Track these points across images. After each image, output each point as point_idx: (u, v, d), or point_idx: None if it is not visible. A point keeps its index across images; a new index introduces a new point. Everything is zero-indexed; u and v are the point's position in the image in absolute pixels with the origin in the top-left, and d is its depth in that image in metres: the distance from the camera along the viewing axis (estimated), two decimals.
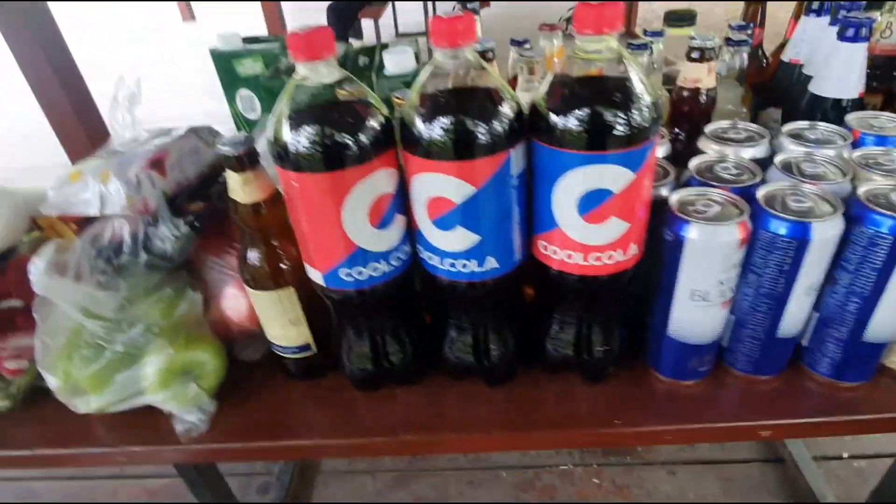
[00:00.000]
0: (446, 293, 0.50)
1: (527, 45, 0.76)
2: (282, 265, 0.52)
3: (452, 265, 0.47)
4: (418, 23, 4.32)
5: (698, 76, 0.59)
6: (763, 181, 0.50)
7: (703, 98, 0.61)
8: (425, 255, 0.48)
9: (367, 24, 4.08)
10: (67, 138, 1.35)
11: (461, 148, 0.41)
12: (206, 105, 3.65)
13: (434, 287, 0.51)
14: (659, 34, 0.72)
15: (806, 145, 0.55)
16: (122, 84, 0.78)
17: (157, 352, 0.54)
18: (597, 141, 0.40)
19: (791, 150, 0.55)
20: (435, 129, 0.40)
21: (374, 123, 0.42)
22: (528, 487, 1.35)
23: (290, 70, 0.65)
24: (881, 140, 0.56)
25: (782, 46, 0.81)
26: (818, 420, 0.52)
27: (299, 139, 0.41)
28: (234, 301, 0.60)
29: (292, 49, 0.39)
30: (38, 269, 0.54)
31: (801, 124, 0.58)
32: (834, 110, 0.63)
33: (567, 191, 0.43)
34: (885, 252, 0.45)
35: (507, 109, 0.41)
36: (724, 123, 0.60)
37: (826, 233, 0.45)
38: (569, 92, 0.40)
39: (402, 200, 0.47)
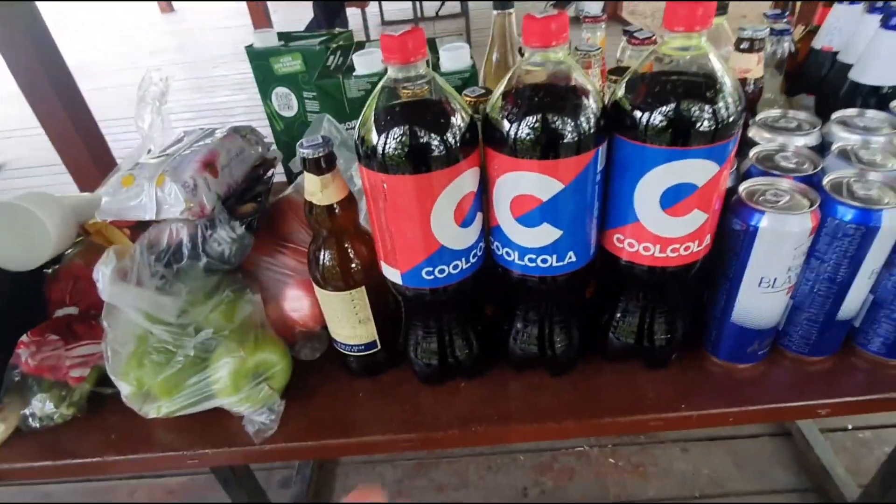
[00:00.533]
0: (519, 287, 0.51)
1: None
2: (353, 265, 0.53)
3: (532, 260, 0.48)
4: (405, 10, 4.26)
5: (748, 66, 0.61)
6: (824, 170, 0.52)
7: (750, 87, 0.62)
8: (503, 251, 0.49)
9: (353, 13, 4.02)
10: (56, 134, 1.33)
11: (551, 147, 0.41)
12: (191, 99, 3.58)
13: (507, 281, 0.51)
14: None
15: (858, 132, 0.56)
16: (149, 82, 0.77)
17: (229, 354, 0.54)
18: (687, 137, 0.41)
19: (844, 138, 0.56)
20: (525, 129, 0.41)
21: (463, 125, 0.42)
22: (547, 470, 1.38)
23: (342, 69, 0.64)
24: None
25: (810, 34, 0.82)
26: (874, 397, 0.55)
27: (392, 142, 0.41)
28: (297, 302, 0.60)
29: (385, 51, 0.39)
30: (104, 277, 0.53)
31: (849, 112, 0.60)
32: (875, 97, 0.64)
33: (651, 185, 0.44)
34: None
35: (595, 108, 0.42)
36: (774, 112, 0.61)
37: (895, 219, 0.46)
38: (659, 89, 0.41)
39: (481, 198, 0.47)
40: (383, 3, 4.44)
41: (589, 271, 0.51)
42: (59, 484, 1.42)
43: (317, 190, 0.48)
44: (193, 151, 0.64)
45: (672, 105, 0.40)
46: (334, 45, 0.72)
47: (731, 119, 0.41)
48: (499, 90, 0.43)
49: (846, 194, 0.48)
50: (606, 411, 0.55)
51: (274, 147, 0.76)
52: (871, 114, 0.59)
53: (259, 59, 0.74)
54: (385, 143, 0.41)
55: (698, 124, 0.40)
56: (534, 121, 0.41)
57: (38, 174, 2.89)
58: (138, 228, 0.63)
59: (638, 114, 0.41)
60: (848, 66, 0.69)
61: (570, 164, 0.42)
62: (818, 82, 0.76)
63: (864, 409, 0.55)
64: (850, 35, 0.72)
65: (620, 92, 0.43)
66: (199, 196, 0.60)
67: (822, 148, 0.58)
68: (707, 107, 0.40)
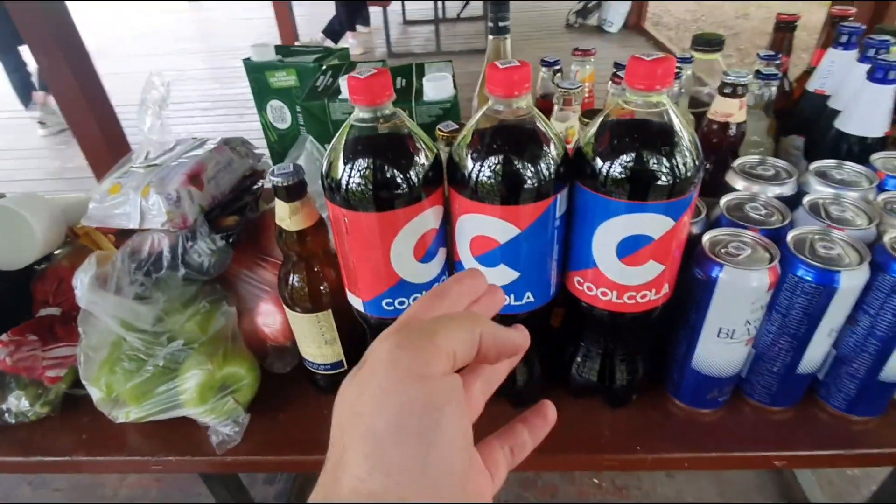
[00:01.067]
0: None
1: (557, 66, 0.77)
2: (321, 288, 0.54)
3: None
4: (427, 10, 4.27)
5: (730, 111, 0.61)
6: (792, 223, 0.52)
7: (732, 131, 0.62)
8: None
9: (375, 12, 4.05)
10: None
11: (510, 193, 0.42)
12: (209, 89, 3.62)
13: None
14: (688, 60, 0.73)
15: (833, 186, 0.56)
16: (150, 86, 0.79)
17: (198, 367, 0.56)
18: (643, 192, 0.41)
19: (818, 191, 0.56)
20: (485, 174, 0.42)
21: (427, 165, 0.43)
22: (530, 486, 1.38)
23: (329, 91, 0.65)
24: None
25: (806, 74, 0.82)
26: (830, 453, 0.55)
27: (356, 180, 0.42)
28: (270, 317, 0.62)
29: (352, 93, 0.40)
30: (82, 284, 0.55)
31: (829, 163, 0.60)
32: (859, 146, 0.64)
33: (608, 234, 0.44)
34: None
35: (556, 157, 0.42)
36: (753, 159, 0.61)
37: (853, 281, 0.47)
38: (617, 143, 0.41)
39: (444, 234, 0.48)
40: (406, 2, 4.45)
41: (549, 310, 0.52)
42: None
43: (286, 216, 0.49)
44: (181, 163, 0.66)
45: (629, 160, 0.41)
46: (327, 65, 0.73)
47: (687, 177, 0.41)
48: (463, 133, 0.44)
49: (808, 252, 0.48)
50: (561, 447, 0.56)
51: (265, 158, 0.78)
52: (850, 166, 0.59)
53: (256, 72, 0.76)
54: (348, 180, 0.42)
55: (655, 181, 0.41)
56: (493, 167, 0.41)
57: None
58: (123, 235, 0.65)
59: (598, 165, 0.42)
60: (836, 112, 0.69)
61: (528, 211, 0.43)
62: (809, 124, 0.75)
63: (820, 463, 0.55)
64: (841, 80, 0.72)
65: (583, 140, 0.44)
66: (182, 208, 0.62)
67: (797, 197, 0.58)
68: (665, 165, 0.40)
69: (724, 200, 0.55)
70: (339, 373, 0.60)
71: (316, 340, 0.56)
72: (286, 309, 0.57)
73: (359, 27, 4.23)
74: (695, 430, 0.57)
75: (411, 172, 0.42)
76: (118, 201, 0.62)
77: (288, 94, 0.76)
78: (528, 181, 0.41)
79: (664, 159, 0.40)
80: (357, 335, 0.59)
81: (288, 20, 4.14)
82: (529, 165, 0.41)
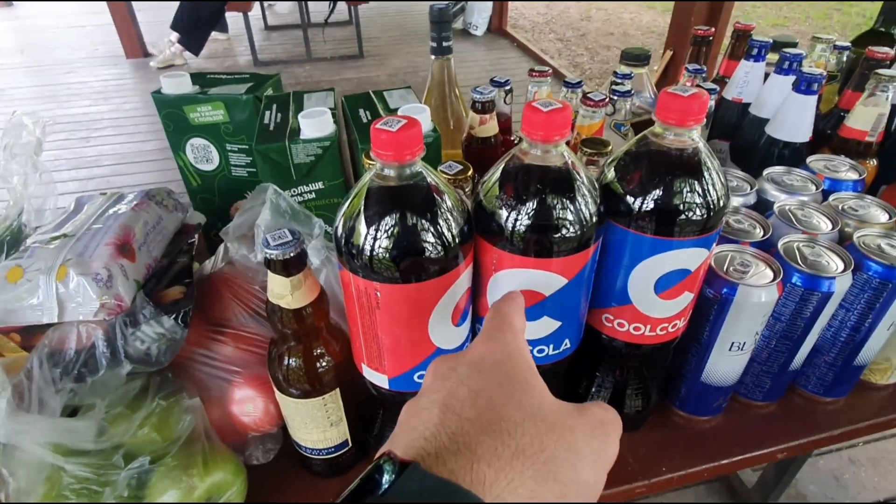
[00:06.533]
0: None
1: (507, 86, 0.75)
2: (326, 367, 0.46)
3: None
4: (291, 14, 4.06)
5: None
6: (774, 233, 0.55)
7: None
8: None
9: (234, 18, 3.75)
10: None
11: (562, 245, 0.39)
12: (45, 110, 3.09)
13: None
14: (629, 76, 0.76)
15: (787, 191, 0.61)
16: (18, 128, 0.65)
17: (174, 486, 0.45)
18: (691, 228, 0.40)
19: (776, 197, 0.61)
20: (536, 228, 0.38)
21: (463, 222, 0.38)
22: None
23: (285, 130, 0.56)
24: (836, 184, 0.65)
25: (717, 81, 0.89)
26: (820, 436, 0.60)
27: (394, 250, 0.36)
28: (248, 404, 0.52)
29: (379, 147, 0.34)
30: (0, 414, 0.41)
31: (777, 170, 0.65)
32: (789, 150, 0.71)
33: (647, 272, 0.43)
34: (881, 292, 0.52)
35: (597, 199, 0.40)
36: None
37: (844, 285, 0.51)
38: (663, 182, 0.40)
39: (474, 290, 0.44)
40: (266, 5, 4.19)
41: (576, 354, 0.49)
42: None
43: (286, 293, 0.41)
44: (101, 229, 0.53)
45: (678, 199, 0.40)
46: (266, 96, 0.63)
47: (724, 206, 0.41)
48: (494, 177, 0.40)
49: (801, 260, 0.52)
50: None
51: (192, 210, 0.66)
52: (796, 172, 0.65)
53: (170, 107, 0.63)
54: (385, 252, 0.36)
55: (703, 216, 0.40)
56: (546, 220, 0.38)
57: None
58: (28, 331, 0.51)
59: (644, 205, 0.40)
60: (759, 119, 0.76)
61: (576, 260, 0.40)
62: (731, 129, 0.82)
63: (810, 447, 0.60)
64: (758, 89, 0.79)
65: (617, 177, 0.42)
66: (115, 288, 0.50)
67: (757, 205, 0.62)
68: (710, 198, 0.40)
69: None
70: (344, 453, 0.52)
71: (320, 425, 0.48)
72: (279, 394, 0.48)
73: (215, 34, 3.89)
74: (705, 439, 0.59)
75: (452, 234, 0.37)
76: (23, 290, 0.48)
77: (215, 131, 0.65)
78: (581, 229, 0.38)
79: (708, 193, 0.40)
80: (361, 409, 0.52)
81: (131, 27, 3.68)
82: (582, 214, 0.38)
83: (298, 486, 0.55)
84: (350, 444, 0.52)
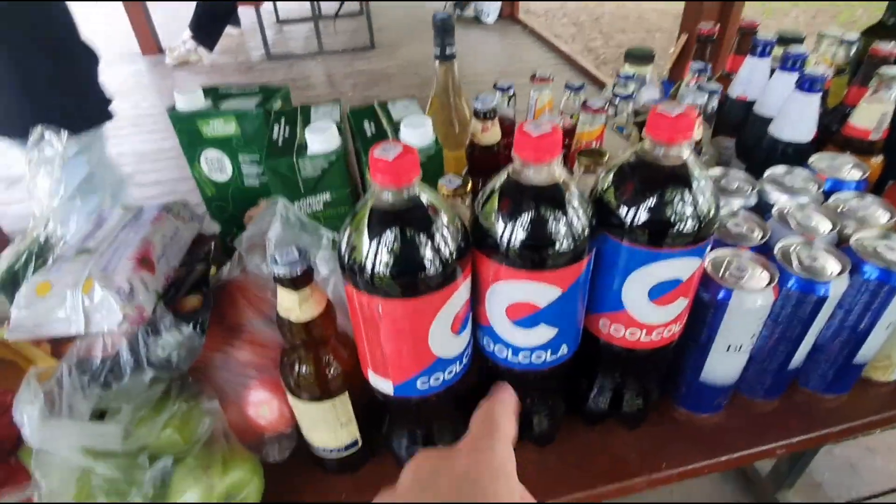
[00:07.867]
0: (506, 377, 0.50)
1: (510, 91, 0.76)
2: (335, 373, 0.49)
3: (526, 357, 0.47)
4: (302, 9, 4.07)
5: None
6: (772, 236, 0.56)
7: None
8: (494, 347, 0.48)
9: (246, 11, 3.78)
10: None
11: (555, 257, 0.40)
12: None
13: (493, 372, 0.50)
14: (632, 78, 0.76)
15: (788, 192, 0.62)
16: (38, 140, 0.68)
17: (196, 485, 0.48)
18: (682, 239, 0.42)
19: (777, 199, 0.62)
20: (530, 243, 0.40)
21: (460, 237, 0.40)
22: None
23: (293, 145, 0.58)
24: (838, 184, 0.65)
25: (722, 79, 0.89)
26: (820, 433, 0.61)
27: (395, 267, 0.38)
28: (264, 406, 0.55)
29: (378, 172, 0.36)
30: (32, 420, 0.45)
31: (778, 170, 0.65)
32: (793, 150, 0.71)
33: (640, 281, 0.45)
34: (877, 294, 0.53)
35: (590, 212, 0.41)
36: (716, 171, 0.65)
37: (840, 288, 0.51)
38: (656, 197, 0.41)
39: (472, 300, 0.46)
40: (278, 2, 4.20)
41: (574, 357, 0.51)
42: None
43: (294, 307, 0.43)
44: (122, 244, 0.56)
45: (668, 213, 0.41)
46: (275, 110, 0.66)
47: (715, 216, 0.42)
48: (489, 194, 0.42)
49: (796, 263, 0.53)
50: (596, 480, 0.56)
51: (208, 218, 0.69)
52: (797, 172, 0.65)
53: (184, 123, 0.66)
54: (386, 269, 0.38)
55: (694, 228, 0.41)
56: (539, 236, 0.39)
57: None
58: (58, 341, 0.54)
59: (635, 218, 0.42)
60: (763, 118, 0.76)
61: (571, 271, 0.42)
62: (736, 127, 0.82)
63: (809, 444, 0.61)
64: (762, 87, 0.79)
65: (612, 190, 0.44)
66: (137, 300, 0.53)
67: (758, 207, 0.63)
68: (701, 211, 0.41)
69: None
70: (355, 452, 0.55)
71: (331, 426, 0.51)
72: (292, 398, 0.50)
73: (228, 29, 3.92)
74: (706, 435, 0.60)
75: (449, 251, 0.39)
76: (51, 303, 0.51)
77: (227, 144, 0.67)
78: (574, 243, 0.40)
79: (700, 206, 0.41)
80: (370, 409, 0.54)
81: (143, 25, 3.74)
82: (574, 229, 0.40)
83: (313, 482, 0.57)
84: (360, 444, 0.55)
